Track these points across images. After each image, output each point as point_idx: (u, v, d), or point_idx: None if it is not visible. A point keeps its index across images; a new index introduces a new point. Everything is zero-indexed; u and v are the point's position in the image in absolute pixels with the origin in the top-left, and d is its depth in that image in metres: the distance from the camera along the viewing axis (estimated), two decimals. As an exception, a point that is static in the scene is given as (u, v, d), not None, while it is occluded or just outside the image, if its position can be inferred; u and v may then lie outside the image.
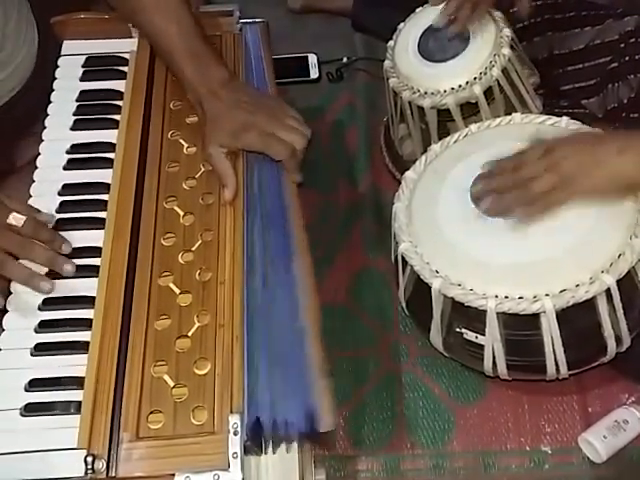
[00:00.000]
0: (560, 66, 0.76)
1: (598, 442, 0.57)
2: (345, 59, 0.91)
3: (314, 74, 0.90)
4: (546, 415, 0.61)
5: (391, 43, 0.72)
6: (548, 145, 0.55)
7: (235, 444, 0.47)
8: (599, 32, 0.74)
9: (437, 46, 0.69)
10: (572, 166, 0.53)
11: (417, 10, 0.72)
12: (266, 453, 0.50)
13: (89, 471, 0.46)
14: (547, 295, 0.51)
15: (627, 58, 0.71)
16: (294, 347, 0.51)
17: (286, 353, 0.51)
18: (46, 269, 0.55)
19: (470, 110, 0.68)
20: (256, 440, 0.48)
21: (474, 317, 0.54)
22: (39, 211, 0.57)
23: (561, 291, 0.51)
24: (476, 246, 0.54)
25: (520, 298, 0.52)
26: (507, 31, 0.67)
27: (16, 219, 0.54)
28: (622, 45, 0.72)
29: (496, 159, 0.57)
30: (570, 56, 0.76)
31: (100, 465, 0.46)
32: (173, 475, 0.46)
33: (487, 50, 0.66)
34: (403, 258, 0.58)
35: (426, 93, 0.67)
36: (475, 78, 0.65)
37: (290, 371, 0.50)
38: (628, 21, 0.73)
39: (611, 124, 0.72)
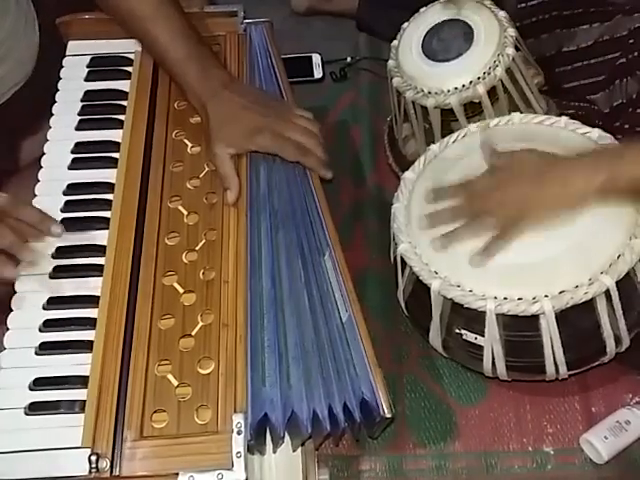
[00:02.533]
0: (568, 63, 0.76)
1: (599, 443, 0.57)
2: (349, 59, 0.91)
3: (318, 74, 0.90)
4: (548, 415, 0.61)
5: (395, 43, 0.72)
6: (488, 179, 0.56)
7: (239, 443, 0.47)
8: (608, 28, 0.74)
9: (441, 46, 0.68)
10: (520, 200, 0.54)
11: (421, 10, 0.72)
12: (275, 452, 0.50)
13: (93, 470, 0.46)
14: (546, 296, 0.51)
15: (636, 54, 0.71)
16: (337, 341, 0.52)
17: (324, 348, 0.51)
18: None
19: (474, 110, 0.67)
20: (261, 439, 0.48)
21: (473, 318, 0.54)
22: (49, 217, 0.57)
23: (560, 292, 0.51)
24: (475, 247, 0.54)
25: (519, 299, 0.52)
26: (511, 31, 0.67)
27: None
28: (631, 41, 0.72)
29: (436, 189, 0.58)
30: (578, 53, 0.76)
31: (104, 464, 0.47)
32: (177, 474, 0.47)
33: (491, 50, 0.66)
34: (402, 259, 0.58)
35: (430, 93, 0.67)
36: (479, 78, 0.65)
37: (329, 365, 0.51)
38: (637, 17, 0.72)
39: (616, 119, 0.72)
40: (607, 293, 0.52)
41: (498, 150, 0.58)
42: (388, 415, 0.49)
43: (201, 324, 0.53)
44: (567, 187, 0.52)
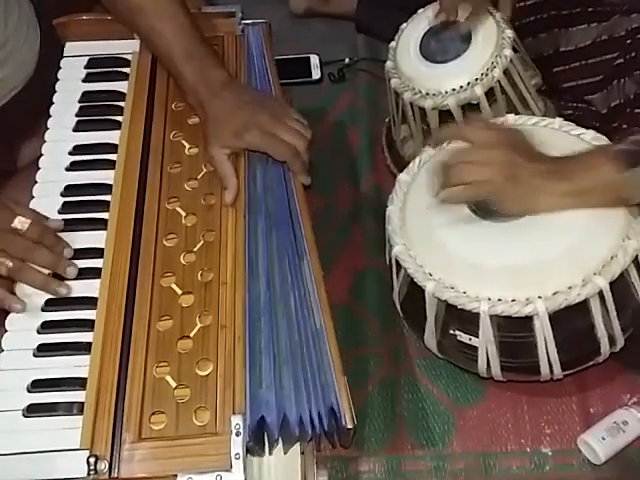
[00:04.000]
0: (566, 63, 0.76)
1: (596, 443, 0.57)
2: (347, 60, 0.91)
3: (316, 75, 0.90)
4: (546, 416, 0.61)
5: (393, 44, 0.72)
6: (487, 140, 0.55)
7: (237, 445, 0.47)
8: (605, 28, 0.74)
9: (439, 47, 0.69)
10: (496, 171, 0.53)
11: (419, 11, 0.72)
12: (271, 454, 0.50)
13: (91, 472, 0.46)
14: (540, 297, 0.51)
15: (634, 54, 0.71)
16: (311, 346, 0.52)
17: (301, 352, 0.51)
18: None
19: (472, 111, 0.67)
20: (259, 440, 0.48)
21: (468, 319, 0.54)
22: (46, 218, 0.57)
23: (554, 293, 0.51)
24: (469, 249, 0.55)
25: (513, 301, 0.52)
26: (509, 32, 0.67)
27: (21, 223, 0.54)
28: (629, 41, 0.72)
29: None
30: (576, 52, 0.76)
31: (103, 466, 0.46)
32: (175, 476, 0.46)
33: (489, 51, 0.66)
34: (397, 261, 0.58)
35: (427, 94, 0.67)
36: (477, 79, 0.65)
37: (307, 370, 0.50)
38: (635, 17, 0.73)
39: (614, 120, 0.72)
40: (600, 294, 0.52)
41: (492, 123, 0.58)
42: (349, 426, 0.48)
43: (199, 325, 0.53)
44: (536, 197, 0.53)
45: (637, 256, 0.53)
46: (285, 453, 0.51)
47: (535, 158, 0.54)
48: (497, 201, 0.54)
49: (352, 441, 0.55)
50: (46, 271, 0.55)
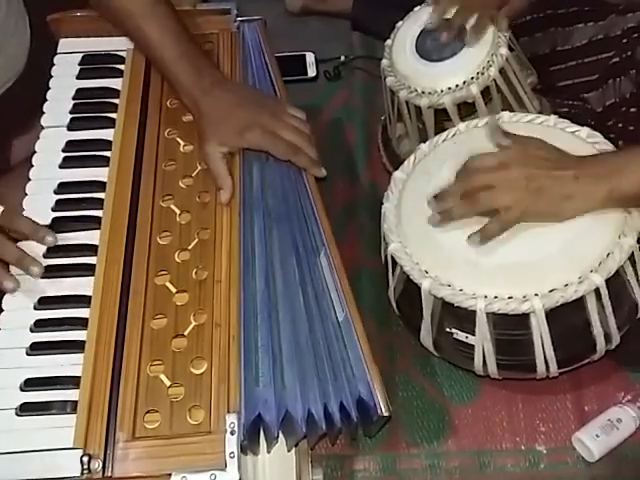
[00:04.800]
0: (562, 62, 0.76)
1: (591, 441, 0.57)
2: (343, 58, 0.91)
3: (311, 72, 0.90)
4: (540, 414, 0.61)
5: (389, 42, 0.72)
6: (502, 160, 0.54)
7: (232, 443, 0.47)
8: (602, 28, 0.74)
9: (435, 45, 0.68)
10: (529, 186, 0.52)
11: (415, 9, 0.72)
12: (269, 452, 0.50)
13: (85, 471, 0.46)
14: (536, 295, 0.51)
15: (629, 53, 0.72)
16: (332, 340, 0.52)
17: (320, 348, 0.51)
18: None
19: (467, 110, 0.67)
20: (254, 439, 0.48)
21: (464, 317, 0.54)
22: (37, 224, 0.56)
23: (550, 291, 0.51)
24: (466, 246, 0.55)
25: (509, 298, 0.52)
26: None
27: None
28: (624, 40, 0.72)
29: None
30: (572, 52, 0.76)
31: (96, 465, 0.46)
32: (170, 475, 0.46)
33: (484, 50, 0.66)
34: (393, 258, 0.58)
35: (423, 92, 0.67)
36: (472, 78, 0.65)
37: (327, 365, 0.51)
38: (631, 17, 0.73)
39: (609, 118, 0.72)
40: (597, 291, 0.52)
41: (508, 132, 0.57)
42: (385, 414, 0.49)
43: (194, 324, 0.53)
44: (577, 186, 0.52)
45: (633, 253, 0.53)
46: (288, 451, 0.51)
47: (558, 164, 0.53)
48: (534, 219, 0.53)
49: (381, 430, 0.55)
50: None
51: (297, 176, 0.62)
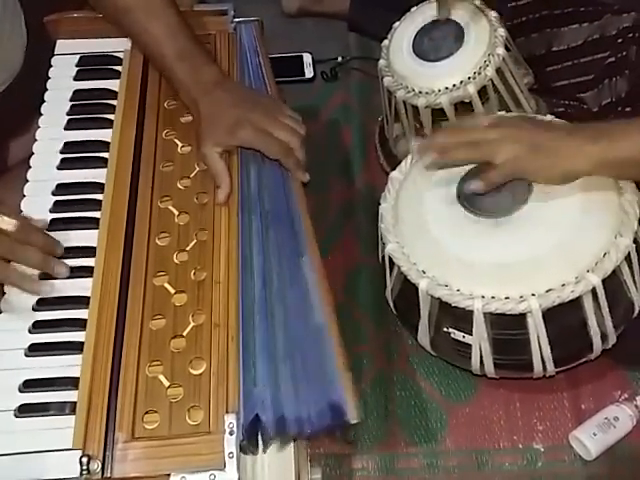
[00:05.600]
0: (558, 62, 0.77)
1: (587, 439, 0.58)
2: (340, 58, 0.91)
3: (309, 73, 0.90)
4: (538, 413, 0.61)
5: (386, 42, 0.72)
6: (495, 118, 0.56)
7: (231, 444, 0.47)
8: (597, 28, 0.74)
9: (431, 45, 0.69)
10: (525, 141, 0.53)
11: (412, 9, 0.72)
12: (265, 452, 0.50)
13: (84, 472, 0.46)
14: (533, 295, 0.52)
15: (625, 53, 0.72)
16: (311, 343, 0.51)
17: (301, 350, 0.51)
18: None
19: (464, 110, 0.68)
20: (253, 439, 0.48)
21: (461, 317, 0.54)
22: (30, 218, 0.56)
23: (547, 291, 0.52)
24: (463, 246, 0.55)
25: (506, 298, 0.52)
26: (501, 31, 0.67)
27: (7, 223, 0.53)
28: (620, 40, 0.73)
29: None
30: (568, 52, 0.76)
31: (95, 466, 0.46)
32: (169, 475, 0.46)
33: (481, 50, 0.66)
34: (390, 258, 0.58)
35: (420, 92, 0.67)
36: (469, 78, 0.66)
37: (308, 368, 0.50)
38: (626, 17, 0.73)
39: (605, 118, 0.72)
40: (593, 291, 0.52)
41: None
42: (354, 421, 0.48)
43: (192, 324, 0.53)
44: (571, 142, 0.52)
45: (629, 253, 0.53)
46: (279, 451, 0.51)
47: (551, 126, 0.55)
48: (532, 175, 0.53)
49: (353, 436, 0.54)
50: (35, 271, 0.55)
51: (285, 177, 0.62)
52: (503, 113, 0.64)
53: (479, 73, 0.65)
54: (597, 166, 0.52)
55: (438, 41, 0.68)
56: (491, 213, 0.56)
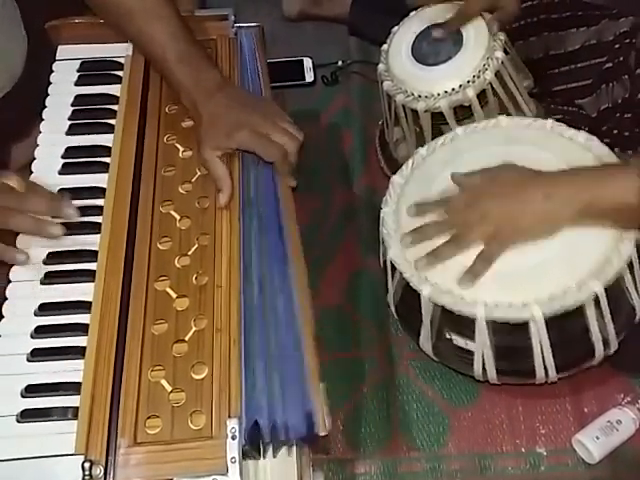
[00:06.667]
0: (555, 66, 0.77)
1: (590, 443, 0.57)
2: (340, 63, 0.91)
3: (309, 78, 0.91)
4: (540, 416, 0.61)
5: (385, 47, 0.72)
6: (469, 194, 0.56)
7: (233, 448, 0.47)
8: (595, 32, 0.75)
9: (431, 49, 0.69)
10: (500, 216, 0.54)
11: (411, 14, 0.73)
12: (265, 457, 0.50)
13: (87, 477, 0.46)
14: (536, 303, 0.52)
15: (622, 58, 0.72)
16: (291, 351, 0.51)
17: (284, 357, 0.51)
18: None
19: (464, 113, 0.68)
20: (255, 444, 0.48)
21: (464, 324, 0.54)
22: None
23: (549, 298, 0.52)
24: (465, 253, 0.55)
25: (509, 306, 0.52)
26: (500, 34, 0.68)
27: (14, 180, 0.53)
28: (617, 46, 0.73)
29: (418, 204, 0.58)
30: (565, 56, 0.76)
31: (98, 471, 0.46)
32: (171, 480, 0.46)
33: (480, 53, 0.66)
34: (392, 264, 0.58)
35: (420, 96, 0.67)
36: (468, 81, 0.66)
37: (288, 375, 0.50)
38: (623, 22, 0.73)
39: (603, 124, 0.72)
40: (596, 298, 0.52)
41: (471, 172, 0.58)
42: (322, 433, 0.47)
43: (194, 329, 0.53)
44: (547, 205, 0.52)
45: (631, 260, 0.53)
46: (274, 457, 0.51)
47: (527, 186, 0.54)
48: (512, 245, 0.54)
49: (330, 448, 0.54)
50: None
51: (277, 183, 0.61)
52: (504, 119, 0.64)
53: (478, 77, 0.66)
54: (575, 223, 0.53)
55: (437, 45, 0.69)
56: None
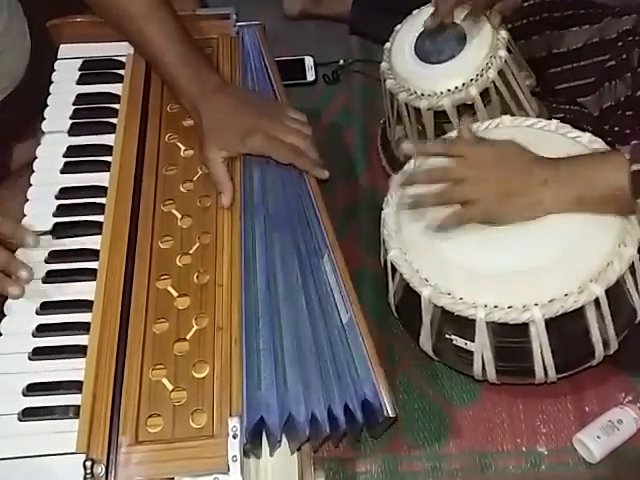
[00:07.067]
0: (558, 64, 0.77)
1: (591, 442, 0.57)
2: (341, 61, 0.91)
3: (310, 76, 0.90)
4: (541, 415, 0.61)
5: (388, 45, 0.72)
6: (474, 159, 0.55)
7: (234, 447, 0.47)
8: (597, 30, 0.74)
9: (433, 48, 0.69)
10: (495, 189, 0.53)
11: (414, 12, 0.73)
12: (272, 455, 0.50)
13: (88, 476, 0.46)
14: (536, 305, 0.51)
15: (624, 56, 0.72)
16: (337, 343, 0.52)
17: (324, 350, 0.51)
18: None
19: (466, 112, 0.68)
20: (257, 442, 0.48)
21: (464, 325, 0.54)
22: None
23: (550, 301, 0.51)
24: (466, 254, 0.55)
25: (509, 308, 0.52)
26: (503, 33, 0.67)
27: None
28: (620, 43, 0.73)
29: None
30: (568, 54, 0.76)
31: (99, 470, 0.46)
32: (172, 479, 0.46)
33: (483, 52, 0.66)
34: (392, 265, 0.58)
35: (422, 95, 0.67)
36: (471, 80, 0.66)
37: (331, 367, 0.51)
38: (626, 20, 0.73)
39: (606, 122, 0.72)
40: (596, 301, 0.52)
41: (480, 137, 0.58)
42: (392, 415, 0.49)
43: (196, 328, 0.53)
44: (546, 190, 0.52)
45: (633, 262, 0.53)
46: (292, 454, 0.51)
47: (531, 168, 0.54)
48: (495, 218, 0.54)
49: (385, 432, 0.55)
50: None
51: (299, 179, 0.62)
52: (507, 118, 0.64)
53: (481, 75, 0.65)
54: (570, 209, 0.53)
55: (440, 43, 0.68)
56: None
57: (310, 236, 0.58)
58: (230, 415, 0.48)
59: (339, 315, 0.53)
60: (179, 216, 0.59)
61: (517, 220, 0.54)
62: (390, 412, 0.48)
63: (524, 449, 0.59)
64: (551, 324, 0.52)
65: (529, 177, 0.53)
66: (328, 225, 0.58)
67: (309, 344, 0.52)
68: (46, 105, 0.66)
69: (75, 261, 0.57)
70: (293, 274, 0.55)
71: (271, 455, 0.50)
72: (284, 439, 0.50)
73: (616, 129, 0.71)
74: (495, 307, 0.52)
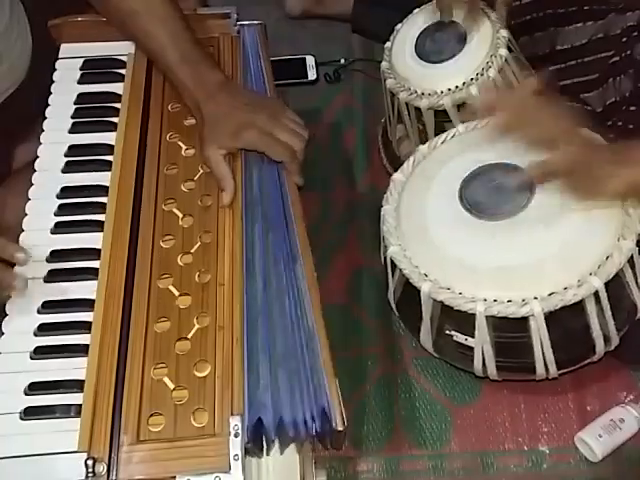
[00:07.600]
0: (562, 61, 0.76)
1: (593, 441, 0.57)
2: (342, 60, 0.91)
3: (312, 75, 0.91)
4: (543, 414, 0.61)
5: (388, 44, 0.72)
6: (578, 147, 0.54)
7: (236, 446, 0.47)
8: (601, 26, 0.74)
9: (434, 47, 0.69)
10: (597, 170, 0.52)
11: (414, 11, 0.73)
12: (269, 454, 0.50)
13: (90, 474, 0.46)
14: (536, 298, 0.51)
15: (629, 52, 0.71)
16: (304, 347, 0.51)
17: (293, 354, 0.51)
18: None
19: (467, 111, 0.68)
20: (258, 441, 0.48)
21: (463, 320, 0.54)
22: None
23: (549, 294, 0.52)
24: (465, 249, 0.55)
25: (509, 301, 0.52)
26: (504, 32, 0.67)
27: None
28: (624, 39, 0.72)
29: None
30: (572, 51, 0.76)
31: (101, 468, 0.46)
32: (174, 478, 0.46)
33: (484, 51, 0.66)
34: (392, 261, 0.58)
35: (423, 94, 0.67)
36: (472, 79, 0.66)
37: (299, 372, 0.50)
38: (630, 16, 0.73)
39: (609, 117, 0.72)
40: (596, 294, 0.52)
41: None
42: (340, 428, 0.48)
43: (197, 327, 0.53)
44: (618, 172, 0.51)
45: (632, 256, 0.53)
46: (281, 454, 0.51)
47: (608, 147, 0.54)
48: (571, 186, 0.53)
49: (344, 443, 0.54)
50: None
51: (282, 181, 0.61)
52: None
53: (482, 74, 0.66)
54: (630, 193, 0.52)
55: (440, 43, 0.68)
56: (493, 215, 0.55)
57: (288, 239, 0.57)
58: (231, 414, 0.48)
59: (307, 320, 0.53)
60: (180, 215, 0.59)
61: (584, 196, 0.52)
62: (339, 426, 0.47)
63: (526, 448, 0.60)
64: (551, 318, 0.52)
65: (600, 154, 0.52)
66: (301, 230, 0.57)
67: (291, 346, 0.51)
68: (47, 104, 0.66)
69: (76, 260, 0.57)
70: (281, 275, 0.55)
71: (267, 454, 0.50)
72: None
73: (620, 124, 0.71)
74: (494, 301, 0.52)
